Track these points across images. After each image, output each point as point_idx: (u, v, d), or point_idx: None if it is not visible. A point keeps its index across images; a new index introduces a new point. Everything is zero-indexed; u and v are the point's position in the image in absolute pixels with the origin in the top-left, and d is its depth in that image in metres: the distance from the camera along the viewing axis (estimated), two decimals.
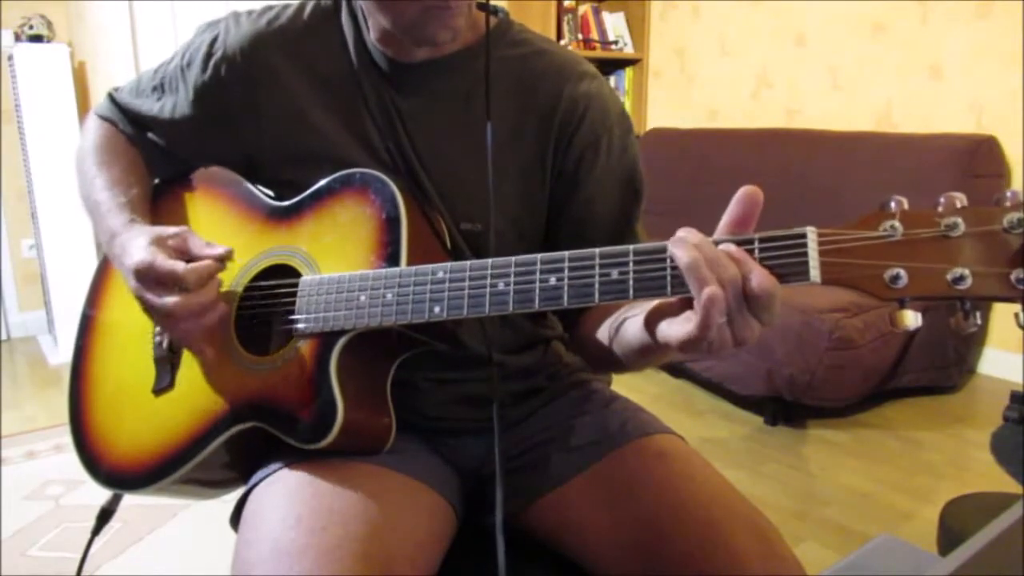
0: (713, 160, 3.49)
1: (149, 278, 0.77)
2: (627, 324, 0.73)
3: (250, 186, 0.91)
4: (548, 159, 0.86)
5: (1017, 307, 0.53)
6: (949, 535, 1.54)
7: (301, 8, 0.90)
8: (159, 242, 0.79)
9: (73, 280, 3.05)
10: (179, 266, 0.76)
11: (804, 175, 3.06)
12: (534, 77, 0.86)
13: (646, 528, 0.76)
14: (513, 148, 0.85)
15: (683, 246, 0.57)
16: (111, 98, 0.99)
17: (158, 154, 0.97)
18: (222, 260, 0.78)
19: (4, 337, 3.44)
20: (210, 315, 0.78)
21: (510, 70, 0.86)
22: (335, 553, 0.68)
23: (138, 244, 0.79)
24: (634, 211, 0.90)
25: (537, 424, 0.92)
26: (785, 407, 2.47)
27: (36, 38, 3.05)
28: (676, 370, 2.84)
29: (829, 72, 3.32)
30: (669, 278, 0.60)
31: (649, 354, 0.71)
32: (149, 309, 0.79)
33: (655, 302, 0.65)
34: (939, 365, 2.66)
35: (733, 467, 2.19)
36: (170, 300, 0.76)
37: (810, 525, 1.89)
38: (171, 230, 0.81)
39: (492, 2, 0.85)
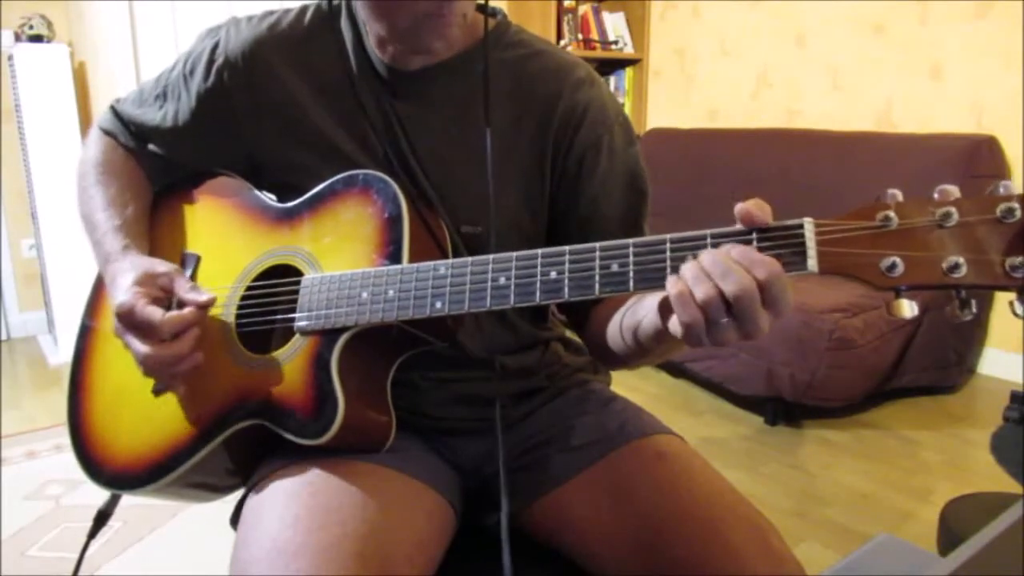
0: (713, 160, 3.49)
1: (128, 322, 0.77)
2: (644, 304, 0.73)
3: (252, 188, 0.92)
4: (548, 161, 0.86)
5: (1012, 296, 0.53)
6: (949, 535, 1.54)
7: (302, 13, 0.90)
8: (145, 281, 0.79)
9: (73, 280, 3.04)
10: (156, 316, 0.75)
11: (804, 175, 3.05)
12: (532, 79, 0.86)
13: (646, 528, 0.76)
14: (512, 150, 0.85)
15: (673, 282, 0.59)
16: (113, 109, 0.99)
17: (159, 165, 0.97)
18: (204, 308, 0.78)
19: (4, 337, 3.44)
20: (182, 365, 0.77)
21: (508, 72, 0.86)
22: (332, 552, 0.67)
23: (124, 282, 0.79)
24: (641, 211, 0.89)
25: (537, 424, 0.92)
26: (785, 407, 2.47)
27: (36, 38, 3.05)
28: (676, 370, 2.84)
29: (829, 72, 3.32)
30: (669, 270, 0.60)
31: (664, 339, 0.71)
32: (129, 350, 0.79)
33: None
34: (939, 365, 2.66)
35: (733, 467, 2.19)
36: (142, 349, 0.76)
37: (810, 525, 1.89)
38: (160, 268, 0.81)
39: (491, 2, 0.85)
